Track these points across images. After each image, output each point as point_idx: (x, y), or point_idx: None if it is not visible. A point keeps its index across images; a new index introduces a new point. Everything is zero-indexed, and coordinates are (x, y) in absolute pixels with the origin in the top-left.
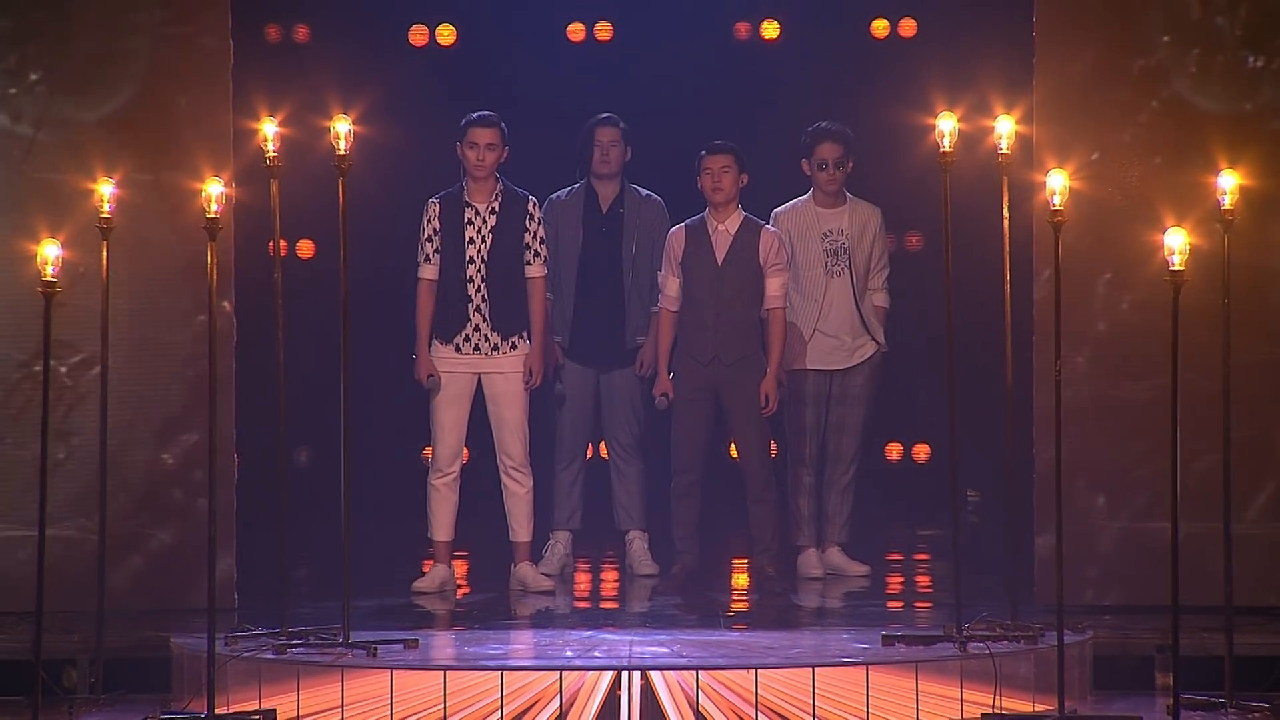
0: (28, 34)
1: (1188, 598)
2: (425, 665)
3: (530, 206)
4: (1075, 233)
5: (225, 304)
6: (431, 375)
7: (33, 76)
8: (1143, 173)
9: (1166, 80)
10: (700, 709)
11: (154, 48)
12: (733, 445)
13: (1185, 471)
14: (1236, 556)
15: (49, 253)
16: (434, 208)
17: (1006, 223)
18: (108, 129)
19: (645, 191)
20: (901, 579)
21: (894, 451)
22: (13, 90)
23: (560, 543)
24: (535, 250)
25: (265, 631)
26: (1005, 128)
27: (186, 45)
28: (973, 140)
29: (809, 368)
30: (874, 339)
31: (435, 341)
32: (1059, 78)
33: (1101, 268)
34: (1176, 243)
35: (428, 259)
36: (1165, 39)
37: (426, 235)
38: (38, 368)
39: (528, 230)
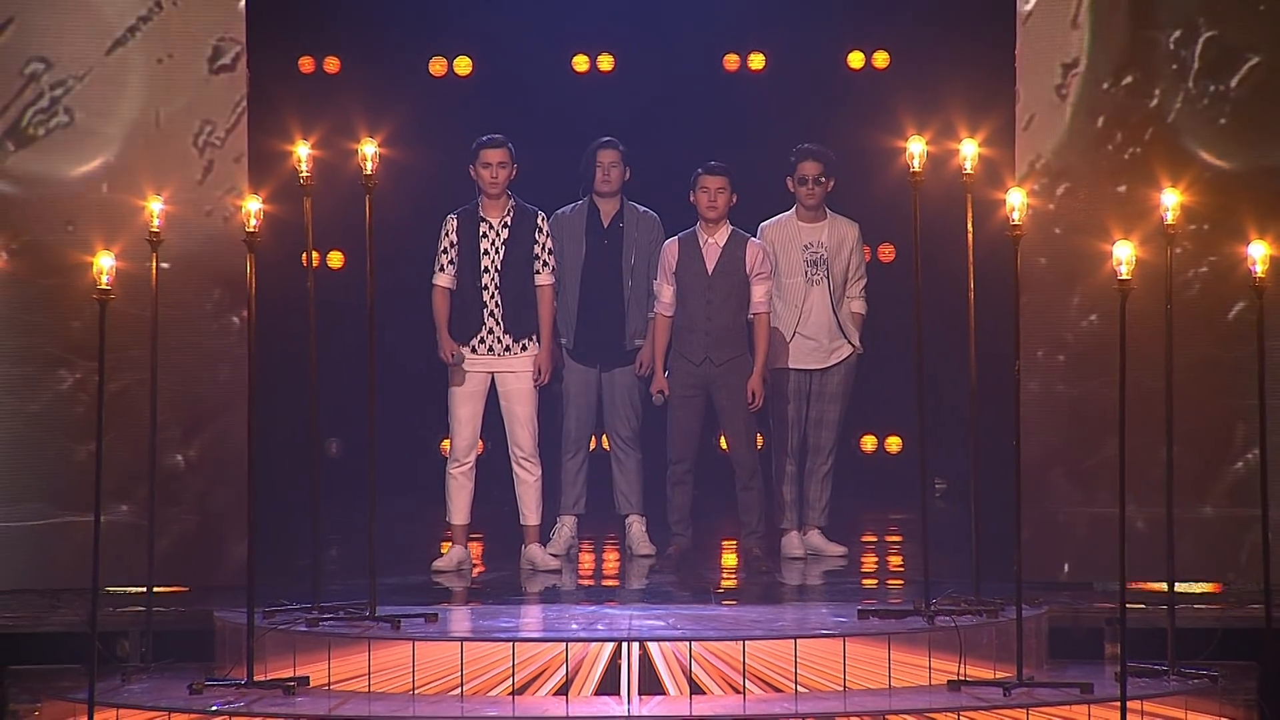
0: (78, 66)
1: (1150, 575)
2: (444, 637)
3: (539, 221)
4: (1054, 245)
5: (244, 312)
6: (455, 352)
7: (81, 103)
8: (1114, 191)
9: (1136, 106)
10: (693, 677)
11: (184, 78)
12: (722, 438)
13: (1149, 461)
14: (1199, 538)
15: (104, 263)
16: (451, 222)
17: (971, 235)
18: (146, 151)
19: (643, 208)
20: (875, 559)
21: (868, 443)
22: (64, 119)
23: (566, 526)
24: (543, 260)
25: (299, 606)
26: (970, 150)
27: (214, 76)
28: (939, 161)
29: (790, 367)
30: (850, 342)
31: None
32: (1040, 102)
33: (1078, 277)
34: (1124, 254)
35: (442, 269)
36: (1134, 68)
37: (443, 247)
38: (78, 375)
39: (536, 242)
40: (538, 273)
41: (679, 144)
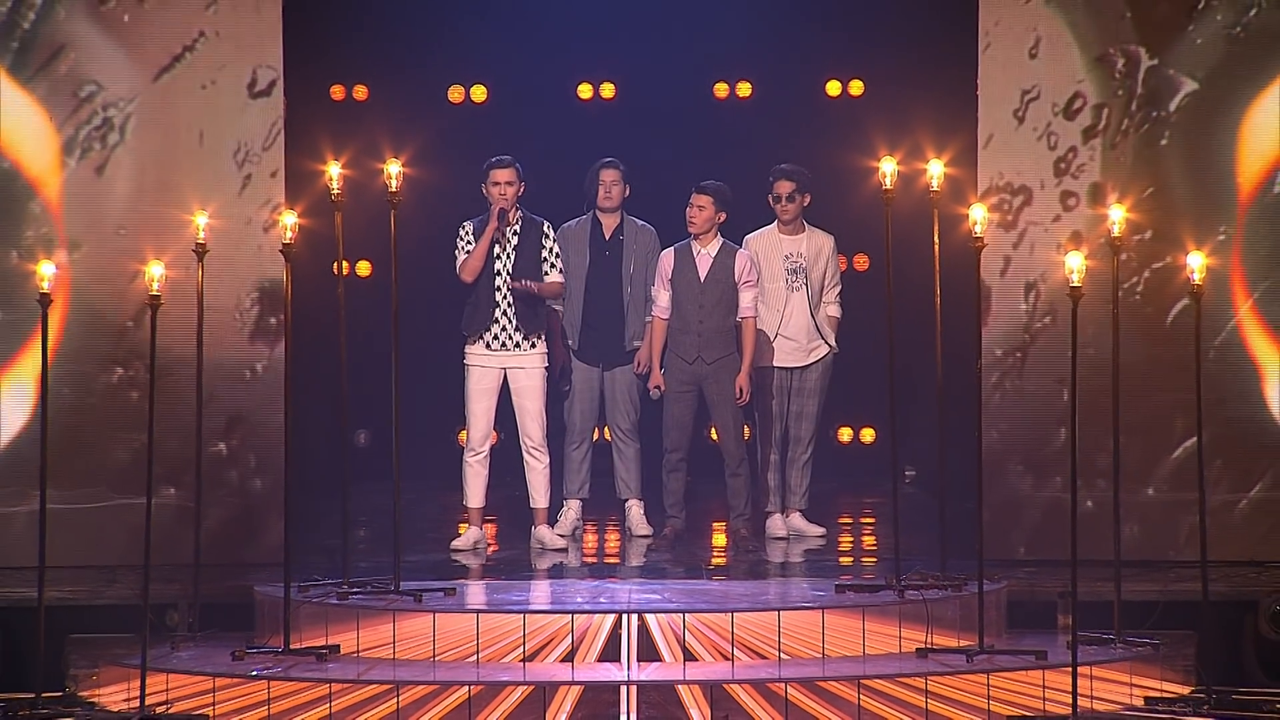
0: (128, 90)
1: (1098, 553)
2: (461, 609)
3: (545, 229)
4: (1012, 254)
5: (280, 315)
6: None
7: (131, 124)
8: (1066, 205)
9: (1085, 128)
10: (686, 645)
11: (225, 103)
12: (713, 429)
13: (1097, 450)
14: (1143, 519)
15: (155, 271)
16: (468, 226)
17: (937, 246)
18: (190, 169)
19: (641, 222)
20: (851, 539)
21: (844, 435)
22: (116, 137)
23: (572, 509)
24: (551, 263)
25: (330, 581)
26: (936, 169)
27: (252, 101)
28: (909, 179)
29: (774, 365)
30: (827, 343)
31: (468, 341)
32: (999, 125)
33: (1034, 284)
34: (1075, 263)
35: (466, 254)
36: (1084, 94)
37: (461, 246)
38: (130, 371)
39: (544, 248)
40: (546, 274)
41: (674, 164)
